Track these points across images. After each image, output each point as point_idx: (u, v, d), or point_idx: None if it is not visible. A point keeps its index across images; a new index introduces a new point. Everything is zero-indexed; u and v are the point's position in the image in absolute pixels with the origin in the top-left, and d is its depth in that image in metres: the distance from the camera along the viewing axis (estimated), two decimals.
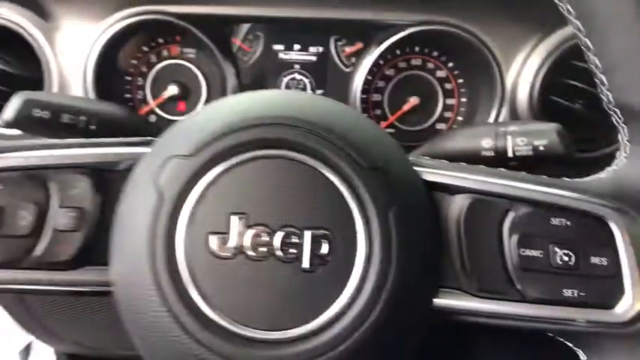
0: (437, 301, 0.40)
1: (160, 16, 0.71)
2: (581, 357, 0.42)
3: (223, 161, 0.38)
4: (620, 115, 0.41)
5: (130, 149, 0.43)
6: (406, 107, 0.78)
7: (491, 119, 0.73)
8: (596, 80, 0.41)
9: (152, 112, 0.80)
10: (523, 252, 0.39)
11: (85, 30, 0.72)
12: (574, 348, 0.42)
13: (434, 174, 0.42)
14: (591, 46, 0.40)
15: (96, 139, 0.44)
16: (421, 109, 0.79)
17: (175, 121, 0.78)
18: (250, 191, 0.37)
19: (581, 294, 0.38)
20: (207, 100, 0.80)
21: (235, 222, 0.37)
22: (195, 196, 0.37)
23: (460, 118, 0.80)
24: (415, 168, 0.42)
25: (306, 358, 0.36)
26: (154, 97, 0.79)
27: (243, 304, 0.36)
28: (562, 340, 0.42)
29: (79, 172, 0.41)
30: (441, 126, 0.80)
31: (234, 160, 0.38)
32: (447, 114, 0.80)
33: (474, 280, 0.40)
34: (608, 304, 0.38)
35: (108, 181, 0.42)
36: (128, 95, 0.80)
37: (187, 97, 0.80)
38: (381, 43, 0.73)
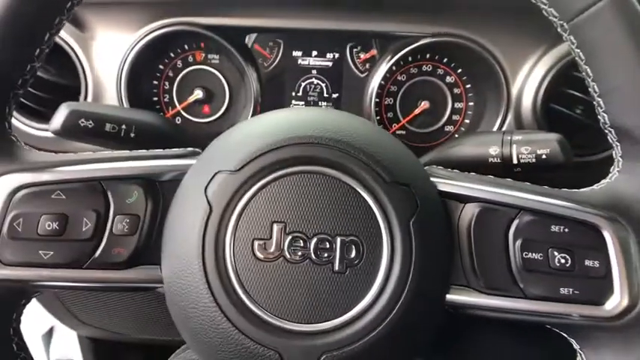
0: (449, 296, 0.43)
1: (189, 27, 0.74)
2: (575, 346, 0.45)
3: (265, 176, 0.41)
4: (615, 135, 0.44)
5: (177, 161, 0.46)
6: (417, 111, 0.81)
7: (498, 124, 0.76)
8: (594, 102, 0.44)
9: (178, 114, 0.83)
10: (525, 255, 0.42)
11: (119, 40, 0.75)
12: (569, 338, 0.45)
13: (447, 184, 0.45)
14: (590, 73, 0.43)
15: (147, 151, 0.48)
16: (431, 112, 0.82)
17: (200, 123, 0.83)
18: (288, 202, 0.41)
19: (576, 292, 0.42)
20: (230, 104, 0.83)
21: (276, 229, 0.41)
22: (240, 207, 0.41)
23: (467, 121, 0.82)
24: (431, 179, 0.45)
25: (337, 347, 0.39)
26: (180, 100, 0.82)
27: (282, 300, 0.40)
28: (558, 331, 0.45)
29: (134, 182, 0.44)
30: (449, 128, 0.83)
31: (274, 175, 0.41)
32: (455, 117, 0.82)
33: (482, 279, 0.43)
34: (599, 301, 0.41)
35: (159, 189, 0.45)
36: (155, 98, 0.83)
37: (211, 100, 0.83)
38: (396, 52, 0.75)
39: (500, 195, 0.44)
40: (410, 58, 0.80)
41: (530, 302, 0.42)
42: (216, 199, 0.41)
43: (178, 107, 0.83)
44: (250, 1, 0.76)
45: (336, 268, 0.41)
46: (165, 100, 0.83)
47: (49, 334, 1.25)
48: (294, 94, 0.85)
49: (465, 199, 0.45)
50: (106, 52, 0.76)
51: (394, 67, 0.80)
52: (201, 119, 0.84)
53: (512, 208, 0.44)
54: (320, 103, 0.85)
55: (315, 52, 0.84)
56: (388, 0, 0.75)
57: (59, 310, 1.01)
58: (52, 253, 0.43)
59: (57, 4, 0.43)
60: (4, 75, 0.43)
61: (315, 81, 0.85)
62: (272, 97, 0.84)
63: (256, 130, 0.45)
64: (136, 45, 0.75)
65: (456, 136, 0.83)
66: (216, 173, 0.42)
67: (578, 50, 0.43)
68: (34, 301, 0.48)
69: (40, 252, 0.42)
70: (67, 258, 0.43)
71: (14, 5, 0.41)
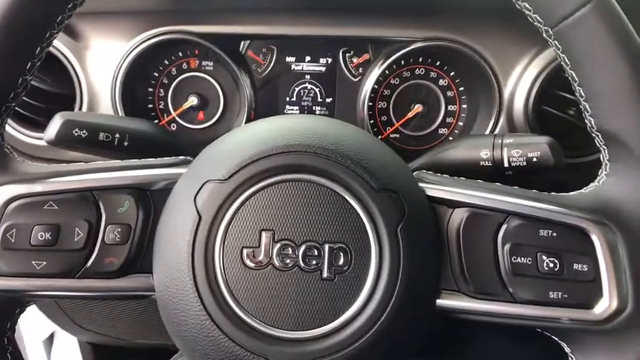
0: (439, 301, 0.44)
1: (182, 36, 0.75)
2: (565, 349, 0.46)
3: (253, 185, 0.42)
4: (602, 138, 0.44)
5: (168, 170, 0.47)
6: (411, 114, 0.81)
7: (490, 125, 0.76)
8: (581, 106, 0.45)
9: (173, 120, 0.84)
10: (514, 259, 0.43)
11: (113, 49, 0.75)
12: (559, 342, 0.46)
13: (436, 190, 0.46)
14: (576, 78, 0.43)
15: (137, 160, 0.48)
16: (424, 115, 0.82)
17: (195, 129, 0.83)
18: (277, 210, 0.41)
19: (565, 296, 0.42)
20: (224, 110, 0.83)
21: (265, 237, 0.41)
22: (229, 216, 0.41)
23: (461, 124, 0.83)
24: (420, 184, 0.46)
25: (327, 354, 0.40)
26: (175, 107, 0.83)
27: (271, 308, 0.41)
28: (548, 334, 0.46)
29: (125, 192, 0.45)
30: (443, 131, 0.83)
31: (262, 184, 0.42)
32: (449, 119, 0.83)
33: (472, 284, 0.43)
34: (588, 304, 0.42)
35: (149, 199, 0.46)
36: (150, 106, 0.83)
37: (206, 107, 0.83)
38: (389, 56, 0.76)
39: (488, 200, 0.45)
40: (403, 62, 0.81)
41: (519, 306, 0.43)
42: (205, 208, 0.42)
43: (173, 114, 0.83)
44: (243, 9, 0.76)
45: (325, 275, 0.41)
46: (161, 107, 0.84)
47: (49, 339, 1.25)
48: (288, 99, 0.86)
49: (453, 204, 0.45)
50: (101, 60, 0.76)
51: (387, 71, 0.80)
52: (196, 125, 0.84)
53: (501, 213, 0.44)
54: (314, 107, 0.86)
55: (308, 58, 0.84)
56: (380, 5, 0.76)
57: (59, 316, 1.01)
58: (44, 263, 0.43)
59: (47, 18, 0.43)
60: None
61: (309, 86, 0.85)
62: (266, 103, 0.85)
63: (244, 140, 0.45)
64: (130, 53, 0.75)
65: (450, 138, 0.83)
66: (205, 182, 0.43)
67: (564, 55, 0.44)
68: (34, 307, 0.49)
69: (33, 262, 0.43)
70: (60, 268, 0.43)
71: (4, 20, 0.41)
